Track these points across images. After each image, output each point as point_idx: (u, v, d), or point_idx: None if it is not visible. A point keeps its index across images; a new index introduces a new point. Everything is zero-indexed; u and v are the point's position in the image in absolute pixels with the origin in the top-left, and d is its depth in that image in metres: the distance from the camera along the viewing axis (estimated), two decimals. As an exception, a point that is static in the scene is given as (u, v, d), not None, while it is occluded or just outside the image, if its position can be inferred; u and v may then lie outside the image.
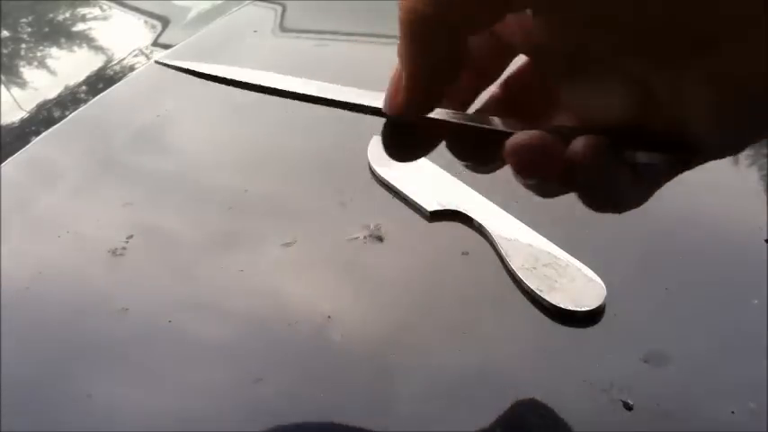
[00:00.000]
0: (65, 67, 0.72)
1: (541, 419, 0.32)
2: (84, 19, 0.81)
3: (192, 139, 0.54)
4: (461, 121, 0.25)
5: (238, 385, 0.35)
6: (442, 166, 0.46)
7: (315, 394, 0.34)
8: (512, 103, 0.27)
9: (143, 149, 0.53)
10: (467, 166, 0.27)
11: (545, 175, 0.23)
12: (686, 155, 0.23)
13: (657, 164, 0.23)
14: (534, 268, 0.38)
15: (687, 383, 0.33)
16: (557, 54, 0.23)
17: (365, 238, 0.42)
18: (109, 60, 0.71)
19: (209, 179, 0.49)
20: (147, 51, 0.70)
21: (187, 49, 0.66)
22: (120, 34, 0.76)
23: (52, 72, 0.73)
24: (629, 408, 0.31)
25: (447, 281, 0.39)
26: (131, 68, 0.67)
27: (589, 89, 0.24)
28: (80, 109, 0.59)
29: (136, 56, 0.69)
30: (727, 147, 0.23)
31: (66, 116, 0.58)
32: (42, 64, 0.75)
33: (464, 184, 0.44)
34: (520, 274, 0.37)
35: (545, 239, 0.39)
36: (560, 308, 0.36)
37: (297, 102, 0.27)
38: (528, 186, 0.25)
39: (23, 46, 0.80)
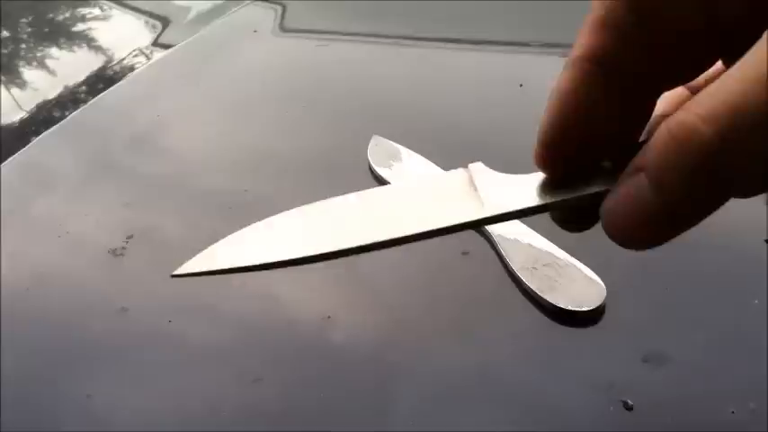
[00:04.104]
0: (65, 67, 0.72)
1: (541, 420, 0.32)
2: (84, 19, 0.81)
3: (192, 138, 0.54)
4: None
5: (238, 385, 0.35)
6: (441, 166, 0.46)
7: (314, 394, 0.34)
8: None
9: (143, 149, 0.53)
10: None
11: None
12: None
13: None
14: (534, 268, 0.38)
15: (687, 383, 0.33)
16: None
17: (365, 238, 0.42)
18: (109, 60, 0.71)
19: (209, 179, 0.49)
20: (147, 51, 0.70)
21: (187, 49, 0.66)
22: (120, 34, 0.76)
23: (52, 72, 0.73)
24: (629, 408, 0.31)
25: (447, 281, 0.39)
26: (131, 68, 0.67)
27: None
28: (80, 109, 0.59)
29: (136, 56, 0.69)
30: None
31: (66, 116, 0.58)
32: (42, 64, 0.75)
33: (464, 184, 0.44)
34: (520, 274, 0.37)
35: (545, 239, 0.39)
36: (560, 308, 0.35)
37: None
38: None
39: (23, 46, 0.81)
